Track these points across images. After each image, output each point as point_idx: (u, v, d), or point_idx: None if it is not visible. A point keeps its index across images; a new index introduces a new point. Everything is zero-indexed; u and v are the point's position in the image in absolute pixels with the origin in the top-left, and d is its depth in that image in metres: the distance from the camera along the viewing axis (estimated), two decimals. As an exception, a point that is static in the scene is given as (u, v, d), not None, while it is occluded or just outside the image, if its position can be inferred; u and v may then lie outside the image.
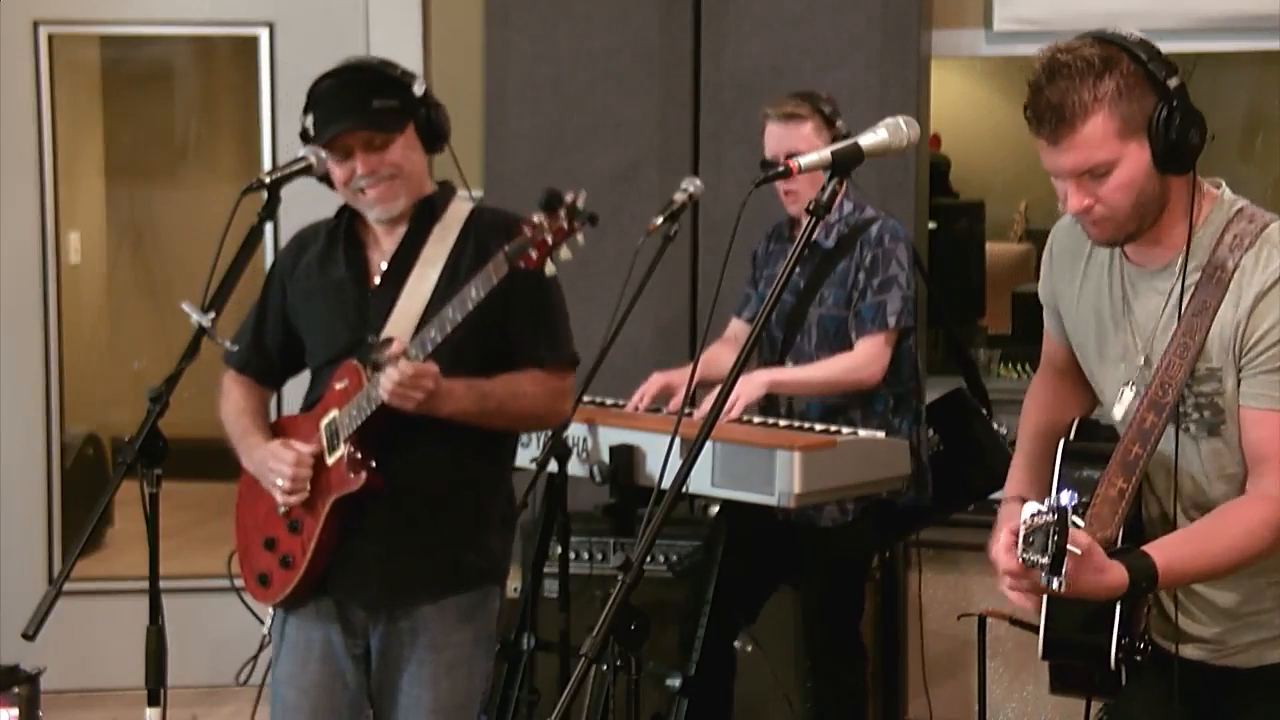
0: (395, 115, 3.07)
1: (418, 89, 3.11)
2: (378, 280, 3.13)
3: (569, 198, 2.81)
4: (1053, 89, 2.33)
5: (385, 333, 3.05)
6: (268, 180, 3.07)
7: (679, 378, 4.10)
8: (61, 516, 5.56)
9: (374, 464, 3.04)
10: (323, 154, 3.11)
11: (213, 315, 2.94)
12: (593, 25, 5.05)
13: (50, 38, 5.50)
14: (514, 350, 3.09)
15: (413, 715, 3.14)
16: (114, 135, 6.64)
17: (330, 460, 3.07)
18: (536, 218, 2.82)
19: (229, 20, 5.62)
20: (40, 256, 5.50)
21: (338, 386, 3.08)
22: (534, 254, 2.82)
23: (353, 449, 3.04)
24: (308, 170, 3.11)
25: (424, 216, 3.14)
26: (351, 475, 3.03)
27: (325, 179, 3.14)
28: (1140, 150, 2.35)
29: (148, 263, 7.13)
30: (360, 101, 3.05)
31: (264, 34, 5.49)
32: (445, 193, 3.20)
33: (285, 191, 3.09)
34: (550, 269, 2.84)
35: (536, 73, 5.07)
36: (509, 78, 5.07)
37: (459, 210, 3.17)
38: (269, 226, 3.12)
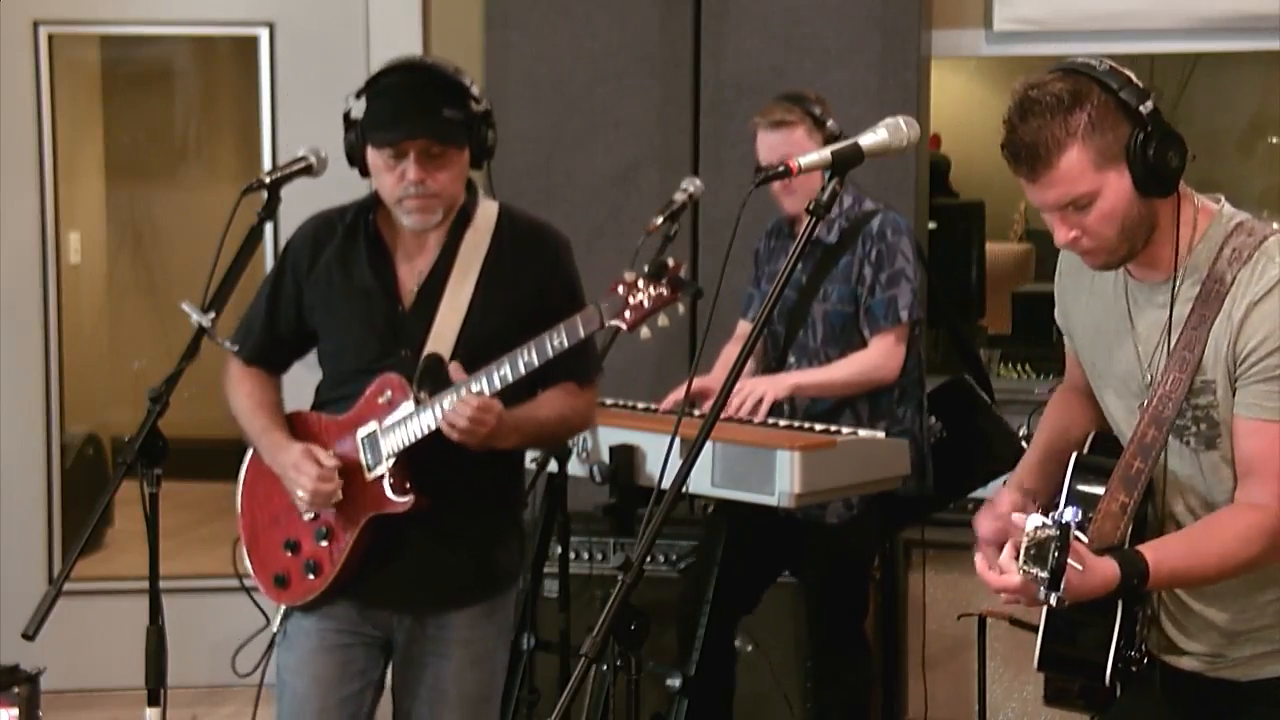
0: (460, 129, 3.01)
1: (484, 105, 3.05)
2: (414, 293, 3.08)
3: (671, 263, 2.80)
4: (1026, 127, 2.35)
5: (426, 349, 3.03)
6: (268, 180, 3.06)
7: (714, 382, 4.10)
8: (61, 516, 5.56)
9: (415, 484, 3.02)
10: (323, 153, 3.11)
11: (213, 315, 2.94)
12: (593, 25, 5.06)
13: (50, 38, 5.50)
14: (549, 368, 3.01)
15: (439, 709, 3.14)
16: (114, 135, 6.64)
17: (370, 476, 3.04)
18: (630, 276, 2.81)
19: (229, 20, 5.62)
20: (40, 256, 5.50)
21: (380, 400, 3.03)
22: (630, 316, 2.80)
23: (397, 468, 3.02)
24: (308, 170, 3.10)
25: (459, 227, 3.10)
26: (398, 498, 3.01)
27: (353, 162, 3.07)
28: (1120, 178, 2.36)
29: (148, 263, 7.13)
30: (433, 107, 2.97)
31: (264, 34, 5.49)
32: (472, 196, 3.15)
33: (285, 191, 3.09)
34: (645, 333, 2.82)
35: (536, 73, 5.07)
36: (509, 78, 5.07)
37: (487, 213, 3.14)
38: (269, 226, 3.11)
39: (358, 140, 3.04)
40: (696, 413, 3.99)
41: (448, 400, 2.93)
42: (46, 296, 5.52)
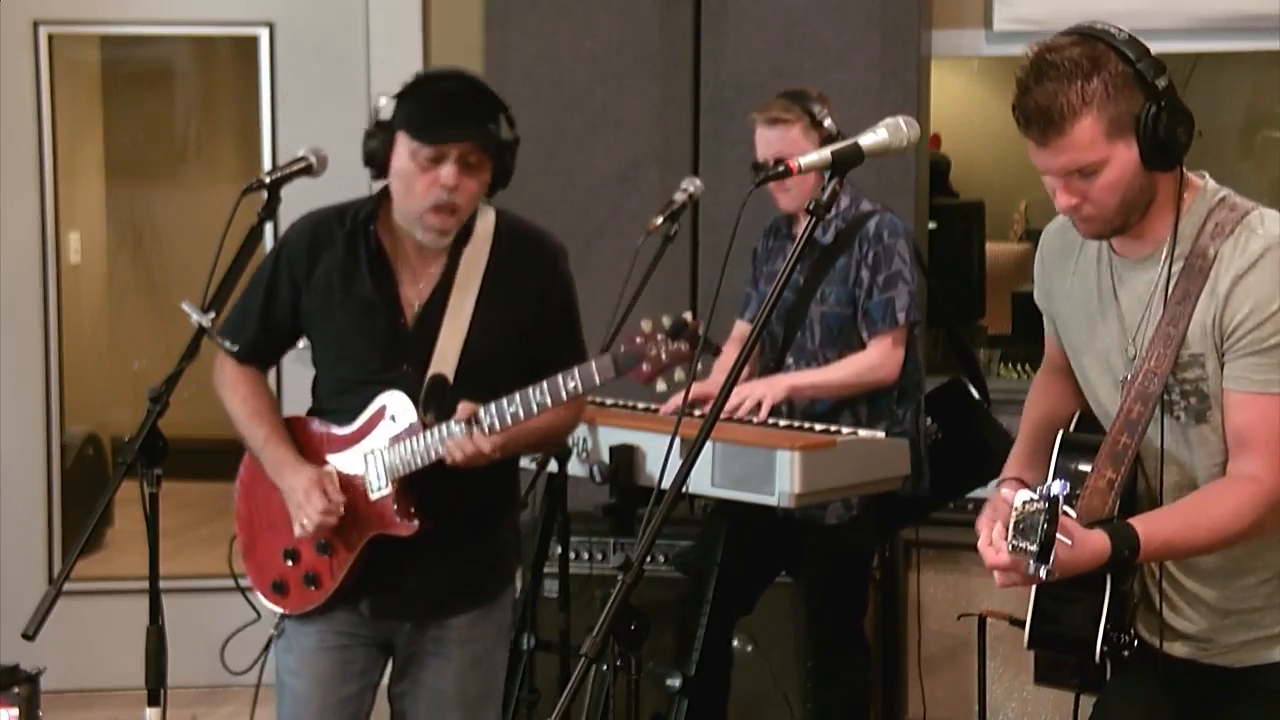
0: (499, 144, 3.02)
1: (515, 133, 3.06)
2: (416, 310, 3.07)
3: (690, 320, 2.82)
4: (1040, 90, 2.34)
5: (432, 368, 3.03)
6: (268, 180, 3.05)
7: (714, 388, 4.09)
8: (61, 516, 5.56)
9: (418, 505, 3.03)
10: (323, 153, 3.10)
11: (213, 315, 2.93)
12: (593, 25, 5.06)
13: (50, 38, 5.50)
14: (546, 373, 2.98)
15: (439, 710, 3.15)
16: (114, 135, 6.63)
17: (374, 496, 3.04)
18: (648, 326, 2.82)
19: (229, 20, 5.62)
20: (40, 256, 5.50)
21: (384, 420, 3.03)
22: (646, 368, 2.82)
23: (401, 491, 3.03)
24: (308, 170, 3.09)
25: (459, 243, 3.09)
26: (401, 521, 3.02)
27: (373, 163, 3.05)
28: (1128, 150, 2.36)
29: (148, 263, 7.12)
30: (481, 117, 2.99)
31: (264, 34, 5.49)
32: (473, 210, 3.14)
33: (285, 191, 3.08)
34: (661, 385, 2.83)
35: (536, 73, 5.07)
36: (509, 78, 5.07)
37: (485, 221, 3.13)
38: (269, 226, 3.10)
39: (386, 142, 3.01)
40: (696, 414, 3.99)
41: (457, 429, 2.93)
42: (46, 296, 5.52)
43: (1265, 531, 2.42)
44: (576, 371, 2.88)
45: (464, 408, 2.94)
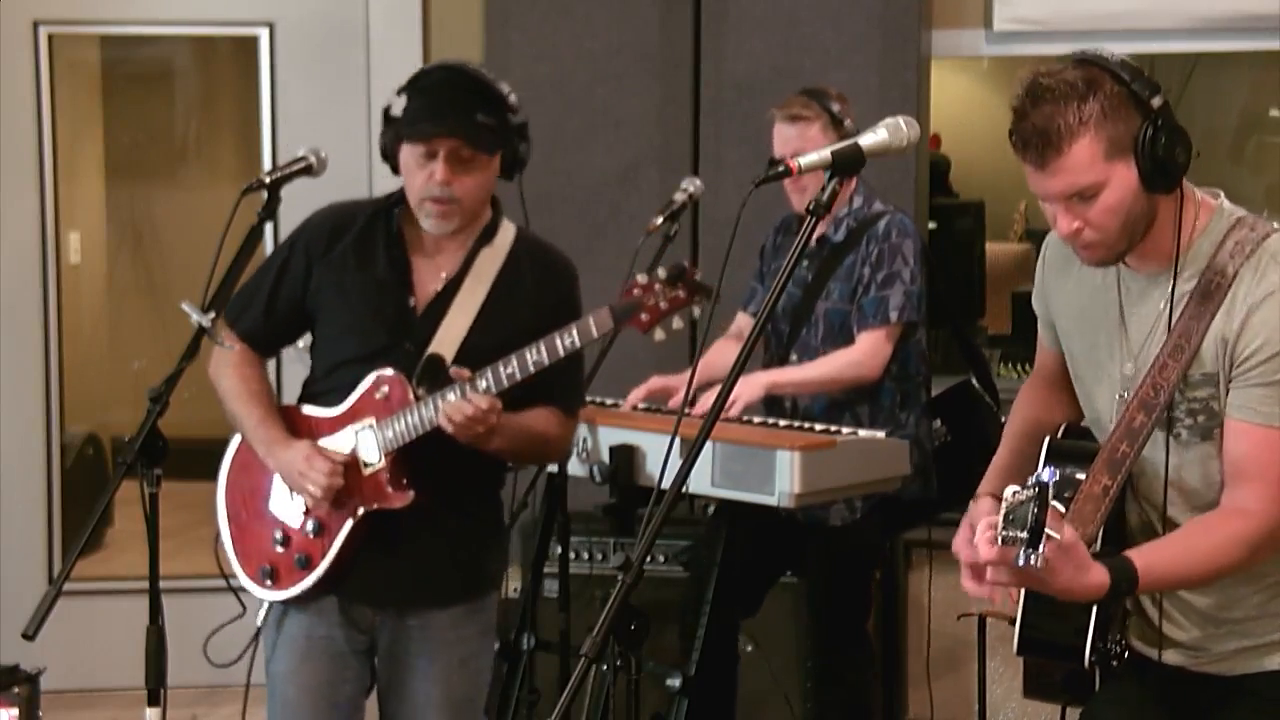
0: (492, 136, 3.04)
1: (520, 117, 3.09)
2: (427, 296, 3.10)
3: (688, 266, 2.82)
4: (1037, 113, 2.33)
5: (431, 348, 3.04)
6: (268, 180, 3.06)
7: (677, 381, 4.10)
8: (61, 516, 5.56)
9: (410, 479, 3.04)
10: (323, 153, 3.11)
11: (213, 315, 2.94)
12: (593, 25, 5.06)
13: (50, 38, 5.50)
14: (539, 388, 3.02)
15: (425, 712, 3.15)
16: (114, 135, 6.63)
17: (367, 471, 3.05)
18: (643, 277, 2.83)
19: (229, 20, 5.62)
20: (40, 256, 5.50)
21: (377, 396, 3.04)
22: (645, 317, 2.83)
23: (394, 464, 3.03)
24: (308, 170, 3.10)
25: (480, 243, 3.12)
26: (395, 492, 3.03)
27: (386, 156, 3.11)
28: (1127, 171, 2.35)
29: (148, 263, 7.12)
30: (467, 109, 3.01)
31: (264, 34, 5.49)
32: (497, 215, 3.17)
33: (285, 191, 3.09)
34: (660, 335, 2.83)
35: (536, 73, 5.07)
36: (509, 78, 5.01)
37: (505, 232, 3.17)
38: (269, 226, 3.11)
39: (394, 137, 3.07)
40: (663, 410, 3.99)
41: (451, 395, 2.94)
42: (46, 296, 5.52)
43: (1260, 561, 2.42)
44: (574, 326, 2.89)
45: (458, 371, 2.96)
